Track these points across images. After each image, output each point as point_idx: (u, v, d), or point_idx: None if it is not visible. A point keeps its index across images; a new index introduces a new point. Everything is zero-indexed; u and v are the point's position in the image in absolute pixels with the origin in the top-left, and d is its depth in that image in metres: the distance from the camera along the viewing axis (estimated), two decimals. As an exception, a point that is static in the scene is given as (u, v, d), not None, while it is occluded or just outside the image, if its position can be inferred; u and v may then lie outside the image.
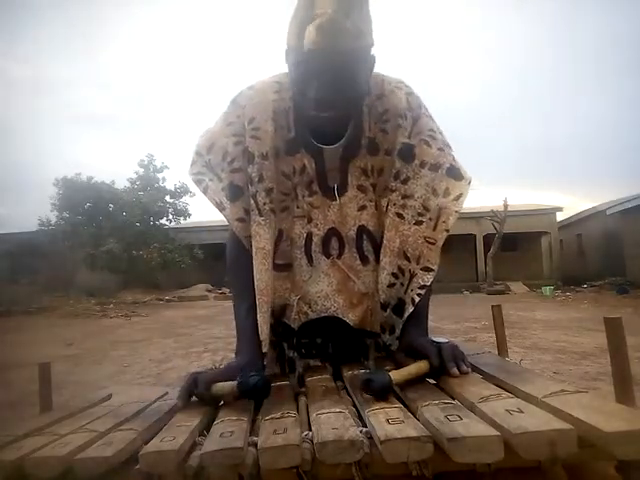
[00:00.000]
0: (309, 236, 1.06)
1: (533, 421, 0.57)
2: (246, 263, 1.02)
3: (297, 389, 0.95)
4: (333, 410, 0.71)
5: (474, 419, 0.62)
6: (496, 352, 1.22)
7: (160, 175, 19.77)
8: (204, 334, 7.15)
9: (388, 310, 1.05)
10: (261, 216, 1.02)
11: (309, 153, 1.04)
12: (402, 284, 1.04)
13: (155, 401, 0.99)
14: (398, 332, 1.05)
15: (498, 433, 0.56)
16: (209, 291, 17.58)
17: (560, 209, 19.82)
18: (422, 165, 1.03)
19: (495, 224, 16.78)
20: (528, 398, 0.70)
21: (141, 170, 19.64)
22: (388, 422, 0.63)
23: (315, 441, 0.60)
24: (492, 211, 17.09)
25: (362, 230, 1.06)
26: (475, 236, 19.13)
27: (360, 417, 0.72)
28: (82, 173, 18.55)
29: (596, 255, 17.81)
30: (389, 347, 1.08)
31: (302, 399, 0.87)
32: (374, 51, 0.98)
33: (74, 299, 14.49)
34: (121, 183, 19.66)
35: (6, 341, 7.16)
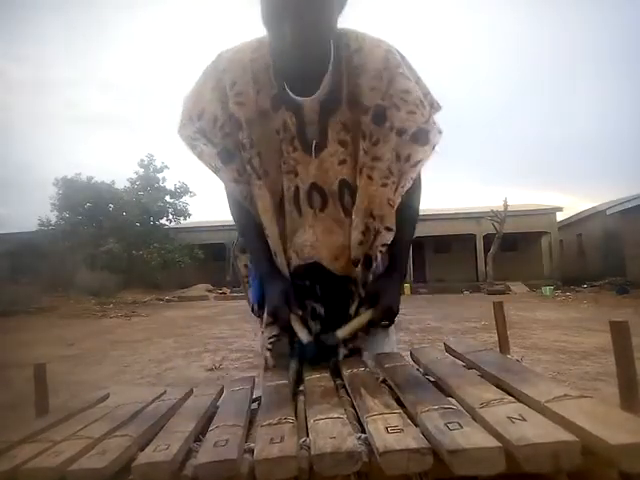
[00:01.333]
0: (296, 189, 1.10)
1: (536, 431, 0.56)
2: (253, 224, 1.14)
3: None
4: (331, 416, 0.70)
5: (475, 427, 0.60)
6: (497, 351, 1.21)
7: (160, 175, 19.79)
8: (204, 334, 7.15)
9: (359, 265, 1.13)
10: (259, 179, 1.08)
11: (289, 110, 1.06)
12: (367, 241, 1.11)
13: (152, 401, 0.98)
14: (370, 285, 1.14)
15: (499, 444, 0.55)
16: (209, 291, 17.59)
17: (560, 209, 19.82)
18: (391, 129, 1.06)
19: (495, 224, 16.78)
20: (530, 403, 0.68)
21: (141, 170, 19.65)
22: (387, 430, 0.62)
23: (312, 452, 0.59)
24: (492, 211, 17.09)
25: (343, 184, 1.10)
26: (475, 236, 19.13)
27: (359, 419, 0.71)
28: (82, 173, 18.60)
29: (596, 255, 17.81)
30: (360, 297, 1.16)
31: (301, 399, 0.86)
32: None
33: (74, 299, 14.50)
34: (121, 183, 19.69)
35: (6, 341, 7.15)
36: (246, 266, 1.27)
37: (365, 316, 1.09)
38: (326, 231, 1.11)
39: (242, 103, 1.06)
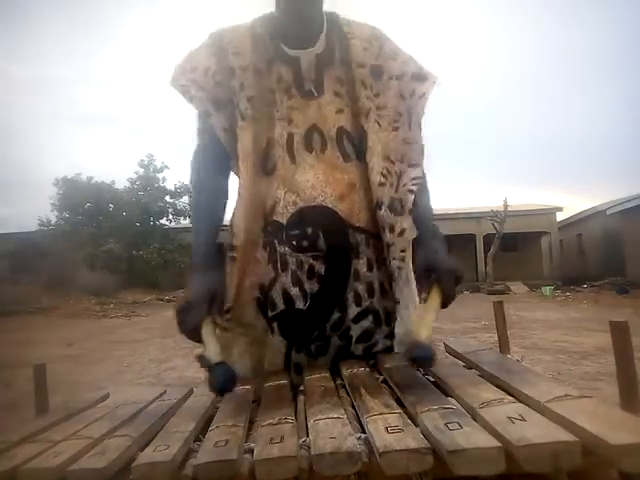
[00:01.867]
0: (290, 136, 1.09)
1: (536, 431, 0.56)
2: (210, 186, 1.12)
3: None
4: (331, 416, 0.70)
5: (475, 427, 0.60)
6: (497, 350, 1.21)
7: (160, 175, 19.77)
8: (204, 334, 7.12)
9: (384, 208, 1.07)
10: (243, 120, 1.09)
11: (285, 63, 1.10)
12: (391, 184, 1.09)
13: (152, 401, 0.98)
14: (398, 230, 1.08)
15: (499, 444, 0.55)
16: (209, 291, 17.51)
17: (560, 209, 19.81)
18: (390, 78, 1.12)
19: (495, 224, 16.77)
20: (530, 403, 0.68)
21: (141, 170, 19.63)
22: (387, 430, 0.62)
23: (312, 452, 0.59)
24: (492, 211, 17.08)
25: (342, 131, 1.10)
26: (475, 236, 19.12)
27: (359, 419, 0.71)
28: (82, 173, 18.59)
29: (596, 255, 17.81)
30: (389, 247, 1.08)
31: (301, 398, 0.86)
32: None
33: (74, 299, 14.50)
34: (121, 183, 19.67)
35: (6, 341, 7.15)
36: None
37: (434, 302, 0.92)
38: (329, 170, 1.08)
39: (238, 53, 1.10)
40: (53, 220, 18.40)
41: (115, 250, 16.66)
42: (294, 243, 1.07)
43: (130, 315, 11.17)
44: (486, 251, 17.85)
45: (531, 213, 19.32)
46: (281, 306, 1.07)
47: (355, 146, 1.10)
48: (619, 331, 0.77)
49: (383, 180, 1.08)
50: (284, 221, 1.07)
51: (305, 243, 1.07)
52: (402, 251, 1.09)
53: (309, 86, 1.10)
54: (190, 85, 1.11)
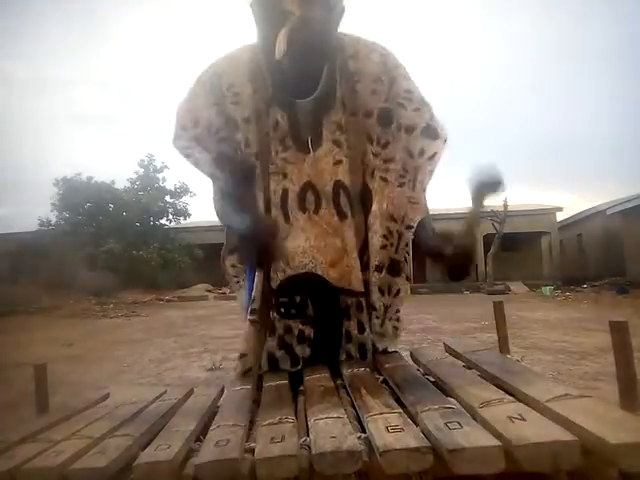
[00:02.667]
0: (285, 192, 1.06)
1: (535, 431, 0.56)
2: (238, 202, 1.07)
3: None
4: (331, 415, 0.70)
5: (475, 427, 0.61)
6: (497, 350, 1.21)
7: (160, 175, 19.72)
8: (204, 334, 7.12)
9: (384, 271, 1.07)
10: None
11: (282, 108, 1.05)
12: (392, 244, 1.08)
13: (153, 401, 0.98)
14: (395, 291, 1.09)
15: (499, 443, 0.55)
16: (209, 291, 17.54)
17: (560, 209, 19.78)
18: (399, 128, 1.07)
19: (495, 224, 16.74)
20: (530, 402, 0.68)
21: (141, 170, 19.60)
22: (387, 430, 0.62)
23: (313, 452, 0.59)
24: (492, 211, 17.03)
25: (339, 185, 1.07)
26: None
27: (359, 419, 0.71)
28: (82, 173, 18.53)
29: (596, 255, 17.79)
30: (386, 309, 1.09)
31: (301, 399, 0.86)
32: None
33: (74, 299, 14.47)
34: (121, 183, 19.62)
35: (6, 341, 7.14)
36: (234, 266, 1.20)
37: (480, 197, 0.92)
38: (321, 235, 1.05)
39: (239, 102, 1.06)
40: (53, 220, 18.36)
41: (115, 250, 16.63)
42: (282, 310, 1.07)
43: (130, 315, 11.14)
44: (486, 251, 17.81)
45: (531, 213, 19.29)
46: (265, 367, 1.07)
47: (352, 201, 1.07)
48: (619, 331, 0.77)
49: (385, 242, 1.06)
50: (274, 285, 1.07)
51: (293, 310, 1.07)
52: (397, 311, 1.11)
53: (306, 136, 1.06)
54: (194, 146, 1.08)
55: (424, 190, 1.07)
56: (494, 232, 16.96)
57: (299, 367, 1.02)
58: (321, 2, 0.94)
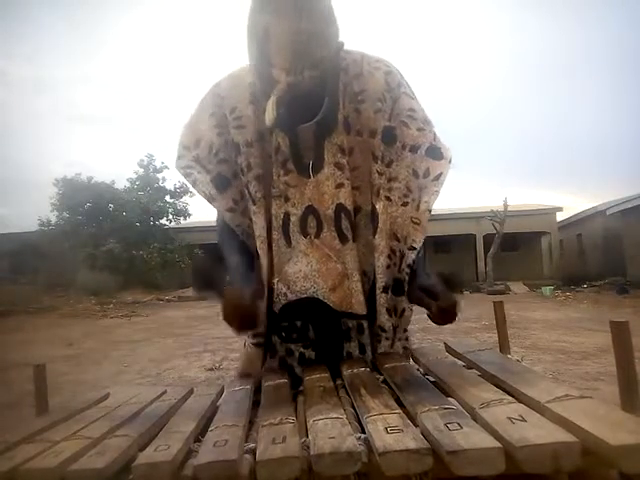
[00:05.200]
0: (286, 216, 1.06)
1: (536, 432, 0.56)
2: (236, 243, 1.08)
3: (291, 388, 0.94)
4: (331, 416, 0.70)
5: (475, 428, 0.60)
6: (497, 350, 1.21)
7: (160, 175, 19.73)
8: (204, 334, 7.13)
9: (389, 292, 1.06)
10: (254, 204, 1.05)
11: (283, 131, 1.04)
12: (395, 264, 1.06)
13: (152, 401, 0.98)
14: (400, 311, 1.07)
15: (499, 445, 0.55)
16: (209, 291, 17.50)
17: (560, 209, 19.77)
18: (403, 147, 1.06)
19: (495, 224, 16.74)
20: (531, 403, 0.68)
21: (141, 170, 19.60)
22: (387, 431, 0.61)
23: (312, 452, 0.59)
24: (492, 211, 17.05)
25: (340, 208, 1.06)
26: (475, 236, 19.10)
27: (359, 419, 0.71)
28: (82, 173, 18.51)
29: (596, 255, 17.79)
30: (395, 329, 1.08)
31: (301, 399, 0.86)
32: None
33: (74, 299, 14.47)
34: (121, 183, 19.63)
35: (6, 341, 7.14)
36: None
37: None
38: (322, 259, 1.05)
39: (242, 126, 1.06)
40: (53, 220, 18.36)
41: (115, 250, 16.62)
42: (283, 334, 1.07)
43: (130, 315, 11.14)
44: (486, 251, 17.80)
45: (531, 213, 19.28)
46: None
47: (353, 224, 1.06)
48: (619, 331, 0.77)
49: (389, 262, 1.05)
50: (276, 309, 1.07)
51: (294, 335, 1.07)
52: (405, 331, 1.11)
53: (307, 159, 1.05)
54: (193, 166, 1.08)
55: (429, 211, 1.06)
56: (494, 232, 16.96)
57: (300, 389, 1.00)
58: (311, 62, 0.94)
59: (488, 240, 17.92)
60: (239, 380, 1.06)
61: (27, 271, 17.10)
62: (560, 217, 19.97)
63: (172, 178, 20.19)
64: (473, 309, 8.12)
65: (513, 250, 19.71)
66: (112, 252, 16.62)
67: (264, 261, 1.05)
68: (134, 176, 19.67)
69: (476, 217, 18.44)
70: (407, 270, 1.06)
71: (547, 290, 13.31)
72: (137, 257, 17.14)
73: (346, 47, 1.05)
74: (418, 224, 1.05)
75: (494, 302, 1.31)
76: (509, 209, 17.04)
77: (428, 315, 0.97)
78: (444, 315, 0.94)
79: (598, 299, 11.11)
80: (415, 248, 1.05)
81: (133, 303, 14.31)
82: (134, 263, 17.20)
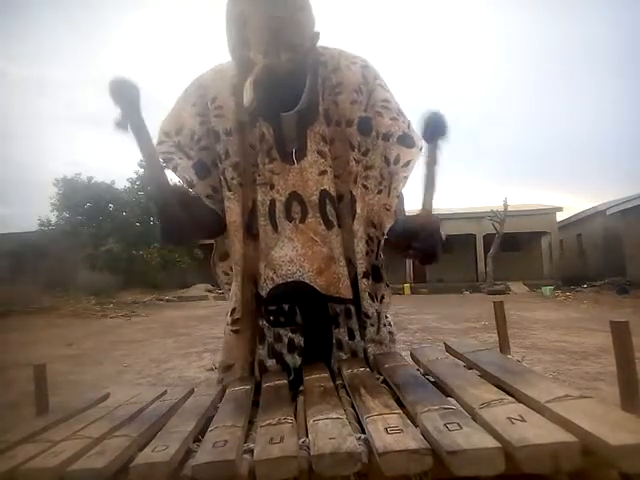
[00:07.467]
0: (272, 203, 1.09)
1: (536, 432, 0.56)
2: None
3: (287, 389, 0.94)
4: (331, 416, 0.70)
5: (475, 428, 0.60)
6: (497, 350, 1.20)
7: (160, 175, 19.73)
8: (204, 334, 7.12)
9: (370, 278, 1.09)
10: (230, 190, 1.08)
11: (267, 121, 1.08)
12: (372, 251, 1.10)
13: (152, 401, 0.98)
14: (379, 297, 1.11)
15: (499, 445, 0.55)
16: (209, 291, 17.56)
17: (560, 209, 19.78)
18: (377, 136, 1.09)
19: (495, 224, 16.75)
20: (531, 403, 0.68)
21: (141, 170, 19.58)
22: (387, 431, 0.61)
23: (312, 452, 0.59)
24: (492, 211, 17.06)
25: (325, 194, 1.08)
26: (475, 236, 19.10)
27: (359, 420, 0.71)
28: (82, 173, 18.52)
29: (596, 255, 17.79)
30: (379, 314, 1.11)
31: (300, 399, 0.86)
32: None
33: (74, 299, 14.46)
34: (121, 183, 19.62)
35: (6, 341, 7.14)
36: (225, 273, 1.20)
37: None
38: (307, 244, 1.07)
39: (222, 115, 1.09)
40: (53, 220, 18.37)
41: (115, 250, 16.63)
42: (271, 318, 1.09)
43: (130, 315, 11.14)
44: (486, 251, 17.82)
45: (531, 213, 19.28)
46: (258, 377, 1.08)
47: (338, 210, 1.09)
48: (619, 331, 0.77)
49: (367, 248, 1.08)
50: (264, 294, 1.09)
51: (282, 318, 1.08)
52: (386, 317, 1.14)
53: (291, 147, 1.08)
54: (174, 152, 1.09)
55: (397, 197, 1.08)
56: (494, 232, 16.97)
57: (291, 377, 1.02)
58: (286, 45, 0.97)
59: (488, 240, 17.92)
60: (239, 381, 1.06)
61: (27, 271, 17.09)
62: (560, 217, 19.98)
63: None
64: (473, 309, 8.12)
65: (513, 250, 19.71)
66: (112, 252, 16.63)
67: (237, 246, 1.08)
68: (134, 176, 19.66)
69: (476, 217, 18.45)
70: (383, 257, 1.10)
71: (547, 290, 13.32)
72: (137, 257, 17.15)
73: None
74: (389, 210, 1.08)
75: (494, 302, 1.31)
76: (509, 209, 17.05)
77: (410, 254, 0.94)
78: (425, 253, 0.95)
79: (598, 299, 11.11)
80: (386, 235, 1.08)
81: (133, 303, 14.31)
82: (134, 263, 17.20)
